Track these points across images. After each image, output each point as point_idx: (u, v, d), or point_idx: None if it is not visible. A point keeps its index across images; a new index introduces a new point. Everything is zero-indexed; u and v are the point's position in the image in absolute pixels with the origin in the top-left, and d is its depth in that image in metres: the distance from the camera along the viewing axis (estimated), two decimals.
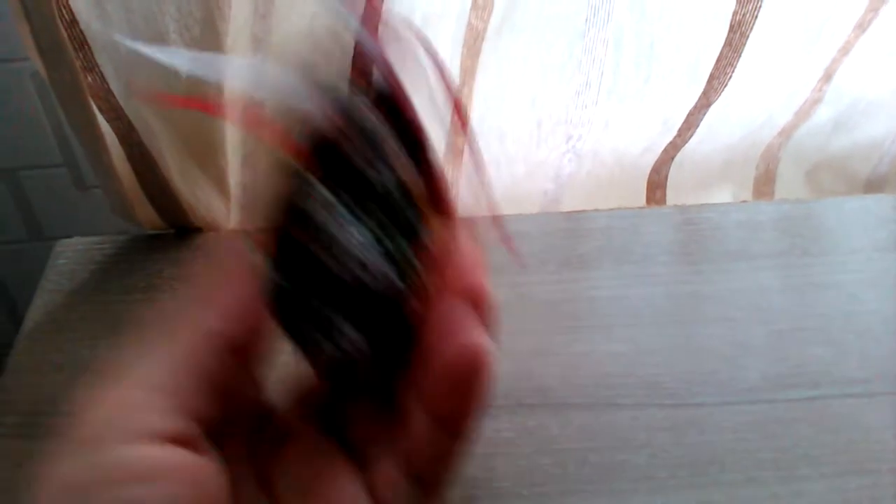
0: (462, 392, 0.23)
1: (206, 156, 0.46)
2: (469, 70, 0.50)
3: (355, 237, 0.24)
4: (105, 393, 0.24)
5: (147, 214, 0.48)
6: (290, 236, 0.24)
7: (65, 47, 0.39)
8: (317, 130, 0.24)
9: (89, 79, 0.41)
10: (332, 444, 0.28)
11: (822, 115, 0.55)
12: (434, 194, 0.25)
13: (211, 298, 0.25)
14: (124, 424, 0.23)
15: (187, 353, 0.24)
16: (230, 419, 0.27)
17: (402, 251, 0.25)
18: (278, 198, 0.24)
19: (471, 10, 0.48)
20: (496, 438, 0.36)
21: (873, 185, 0.59)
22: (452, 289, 0.25)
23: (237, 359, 0.25)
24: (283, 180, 0.24)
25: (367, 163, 0.24)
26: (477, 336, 0.23)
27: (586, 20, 0.47)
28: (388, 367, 0.26)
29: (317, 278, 0.24)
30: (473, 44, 0.49)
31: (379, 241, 0.24)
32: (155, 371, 0.24)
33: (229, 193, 0.49)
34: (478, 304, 0.24)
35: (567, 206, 0.58)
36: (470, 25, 0.49)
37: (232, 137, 0.48)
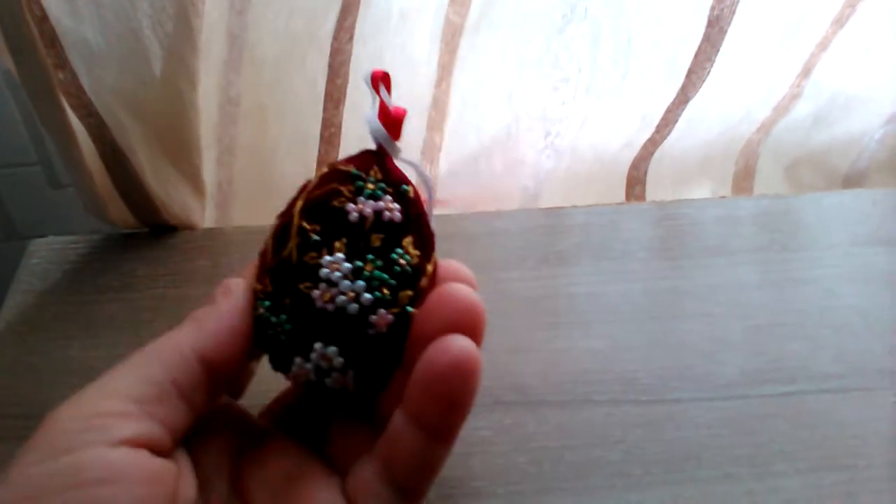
0: (452, 400, 0.25)
1: (180, 153, 0.46)
2: (447, 66, 0.50)
3: (345, 275, 0.27)
4: (73, 401, 0.24)
5: (120, 213, 0.47)
6: (284, 277, 0.27)
7: (35, 44, 0.38)
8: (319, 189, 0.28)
9: (60, 75, 0.40)
10: (308, 453, 0.28)
11: (801, 110, 0.55)
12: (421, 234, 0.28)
13: (197, 322, 0.27)
14: (89, 430, 0.24)
15: (161, 368, 0.25)
16: (206, 428, 0.27)
17: (386, 280, 0.27)
18: (276, 245, 0.28)
19: (448, 5, 0.48)
20: (472, 437, 0.35)
21: (852, 180, 0.59)
22: (442, 305, 0.26)
23: (211, 377, 0.26)
24: (282, 229, 0.28)
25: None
26: (467, 346, 0.24)
27: (563, 16, 0.47)
28: (371, 387, 0.27)
29: (307, 313, 0.27)
30: (451, 39, 0.49)
31: (364, 273, 0.27)
32: (126, 382, 0.25)
33: (204, 191, 0.49)
34: (468, 319, 0.26)
35: (546, 202, 0.57)
36: (448, 21, 0.48)
37: (206, 135, 0.47)
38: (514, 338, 0.40)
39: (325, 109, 0.51)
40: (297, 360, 0.27)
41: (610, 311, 0.42)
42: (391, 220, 0.28)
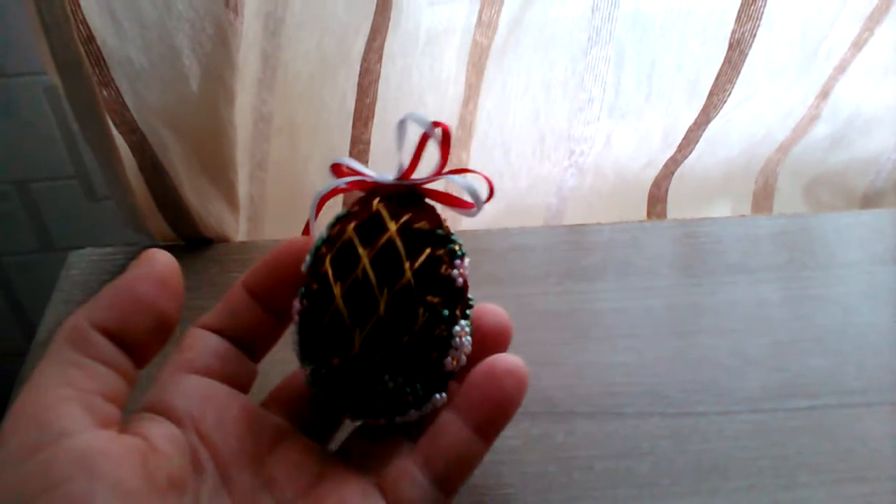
0: (503, 400, 0.28)
1: (217, 169, 0.47)
2: (474, 86, 0.51)
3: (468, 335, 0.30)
4: (19, 404, 0.25)
5: (158, 226, 0.48)
6: (417, 349, 0.28)
7: (82, 63, 0.40)
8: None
9: (105, 93, 0.42)
10: (328, 452, 0.30)
11: (820, 131, 0.56)
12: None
13: (97, 297, 0.27)
14: (45, 425, 0.24)
15: (71, 349, 0.26)
16: (225, 425, 0.28)
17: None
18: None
19: (476, 27, 0.49)
20: (503, 446, 0.36)
21: (870, 199, 0.60)
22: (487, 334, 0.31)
23: (124, 344, 0.27)
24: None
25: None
26: (517, 361, 0.29)
27: (589, 39, 0.48)
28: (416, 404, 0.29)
29: (435, 374, 0.29)
30: (478, 60, 0.50)
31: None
32: (51, 372, 0.26)
33: (238, 205, 0.50)
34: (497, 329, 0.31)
35: (569, 219, 0.59)
36: (475, 42, 0.50)
37: (239, 151, 0.49)
38: (541, 351, 0.41)
39: (354, 127, 0.52)
40: (412, 412, 0.29)
41: (634, 326, 0.43)
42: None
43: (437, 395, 0.29)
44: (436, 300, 0.28)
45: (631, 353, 0.41)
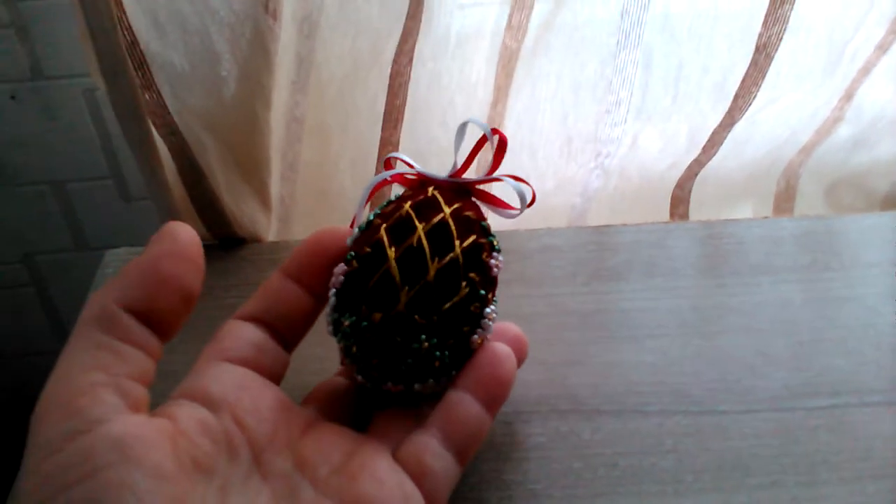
0: (504, 378, 0.31)
1: (251, 170, 0.49)
2: (503, 88, 0.52)
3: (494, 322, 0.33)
4: (49, 392, 0.25)
5: (194, 225, 0.49)
6: (453, 319, 0.31)
7: (125, 67, 0.41)
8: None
9: (146, 97, 0.43)
10: (357, 433, 0.32)
11: (843, 133, 0.57)
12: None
13: (118, 276, 0.28)
14: (79, 412, 0.24)
15: (99, 330, 0.26)
16: (262, 415, 0.29)
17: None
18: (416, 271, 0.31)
19: (505, 30, 0.50)
20: (530, 443, 0.37)
21: (892, 200, 0.60)
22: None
23: (149, 319, 0.27)
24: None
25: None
26: (509, 349, 0.32)
27: (617, 42, 0.49)
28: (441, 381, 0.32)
29: (463, 349, 0.32)
30: (507, 63, 0.51)
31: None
32: (80, 357, 0.26)
33: (270, 206, 0.51)
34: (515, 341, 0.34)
35: (593, 219, 0.60)
36: (504, 45, 0.51)
37: (273, 152, 0.50)
38: (568, 350, 0.42)
39: (383, 128, 0.53)
40: (431, 381, 0.32)
41: (659, 325, 0.43)
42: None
43: (454, 371, 0.32)
44: (476, 279, 0.31)
45: (655, 353, 0.42)
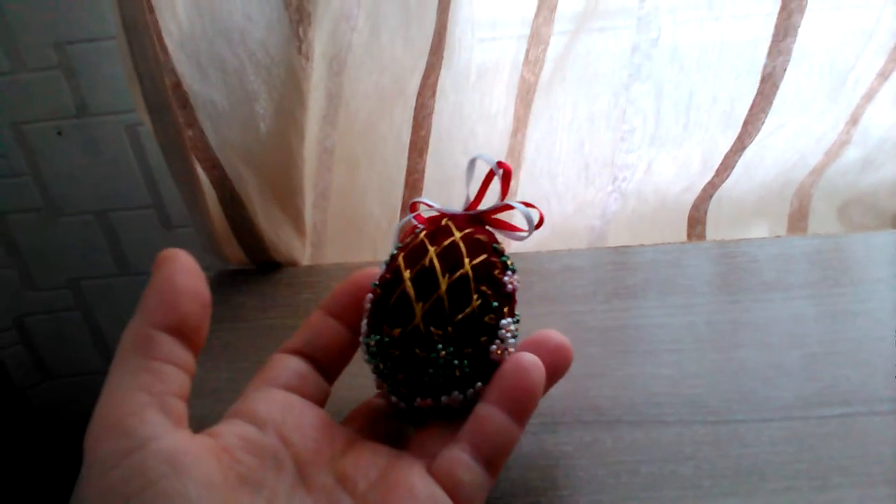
0: (532, 388, 0.32)
1: (287, 198, 0.51)
2: (522, 118, 0.55)
3: (513, 335, 0.34)
4: (100, 415, 0.27)
5: (233, 252, 0.52)
6: (468, 330, 0.33)
7: (170, 106, 0.44)
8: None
9: (190, 133, 0.46)
10: (394, 449, 0.34)
11: (851, 155, 0.58)
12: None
13: (142, 306, 0.29)
14: (130, 431, 0.26)
15: (138, 355, 0.28)
16: (305, 436, 0.31)
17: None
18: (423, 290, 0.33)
19: (523, 64, 0.52)
20: (556, 452, 0.39)
21: None
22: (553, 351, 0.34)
23: (183, 335, 0.29)
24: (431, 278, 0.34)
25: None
26: (536, 357, 0.32)
27: (630, 75, 0.51)
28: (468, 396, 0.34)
29: (482, 359, 0.33)
30: (526, 95, 0.54)
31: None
32: (125, 381, 0.28)
33: (305, 232, 0.54)
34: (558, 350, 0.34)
35: (612, 241, 0.62)
36: (523, 78, 0.53)
37: (306, 182, 0.52)
38: (590, 364, 0.44)
39: (409, 158, 0.56)
40: (456, 393, 0.33)
41: (676, 340, 0.45)
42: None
43: (479, 383, 0.33)
44: (488, 292, 0.33)
45: (673, 366, 0.43)
